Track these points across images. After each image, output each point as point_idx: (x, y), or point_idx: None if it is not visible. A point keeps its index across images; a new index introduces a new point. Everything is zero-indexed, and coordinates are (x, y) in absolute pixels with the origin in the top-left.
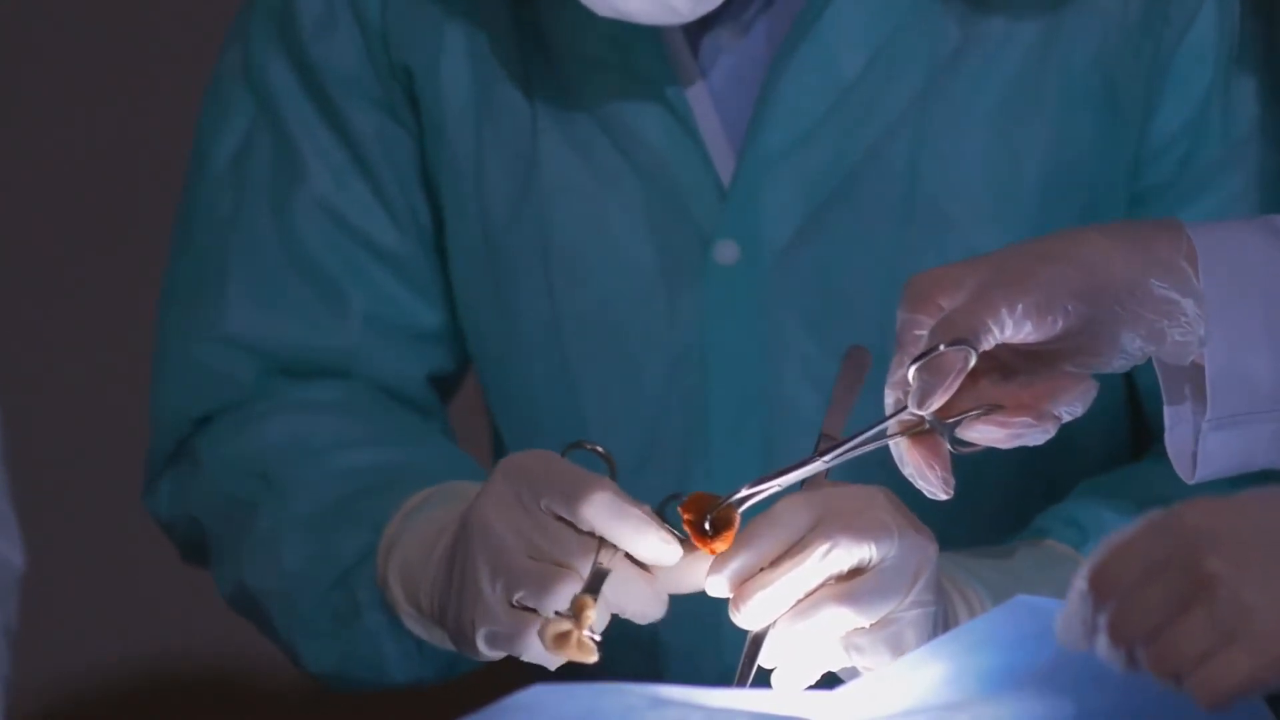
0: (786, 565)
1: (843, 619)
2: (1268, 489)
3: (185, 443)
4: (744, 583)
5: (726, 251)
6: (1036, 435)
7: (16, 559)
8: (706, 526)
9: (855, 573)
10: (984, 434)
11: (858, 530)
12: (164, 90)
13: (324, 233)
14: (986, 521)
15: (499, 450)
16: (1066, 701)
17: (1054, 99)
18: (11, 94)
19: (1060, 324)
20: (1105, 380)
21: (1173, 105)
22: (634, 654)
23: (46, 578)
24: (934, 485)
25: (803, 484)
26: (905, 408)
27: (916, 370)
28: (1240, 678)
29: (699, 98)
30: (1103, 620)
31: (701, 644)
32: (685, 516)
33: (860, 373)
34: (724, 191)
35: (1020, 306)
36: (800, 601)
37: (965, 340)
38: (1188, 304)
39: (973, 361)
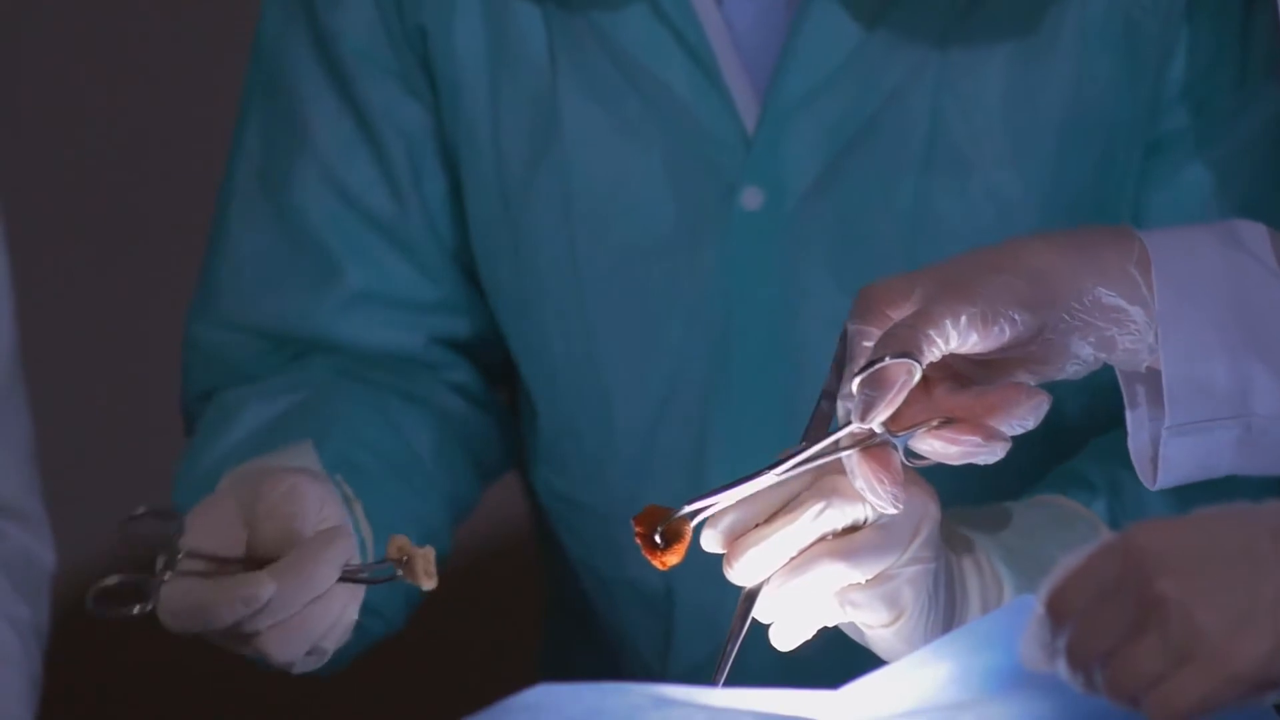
0: (780, 522)
1: (838, 575)
2: (1217, 507)
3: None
4: (737, 538)
5: (752, 198)
6: (986, 455)
7: (47, 558)
8: (657, 539)
9: (852, 529)
10: (934, 449)
11: (853, 489)
12: (182, 85)
13: (325, 206)
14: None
15: (525, 405)
16: (1071, 701)
17: (1072, 42)
18: (23, 91)
19: (1007, 333)
20: None
21: (1189, 49)
22: (648, 614)
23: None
24: (883, 499)
25: (803, 439)
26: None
27: (860, 383)
28: (1194, 699)
29: (722, 45)
30: (1061, 643)
31: (716, 600)
32: (637, 529)
33: None
34: (748, 138)
35: (964, 318)
36: (795, 558)
37: (908, 353)
38: (1135, 311)
39: (917, 375)
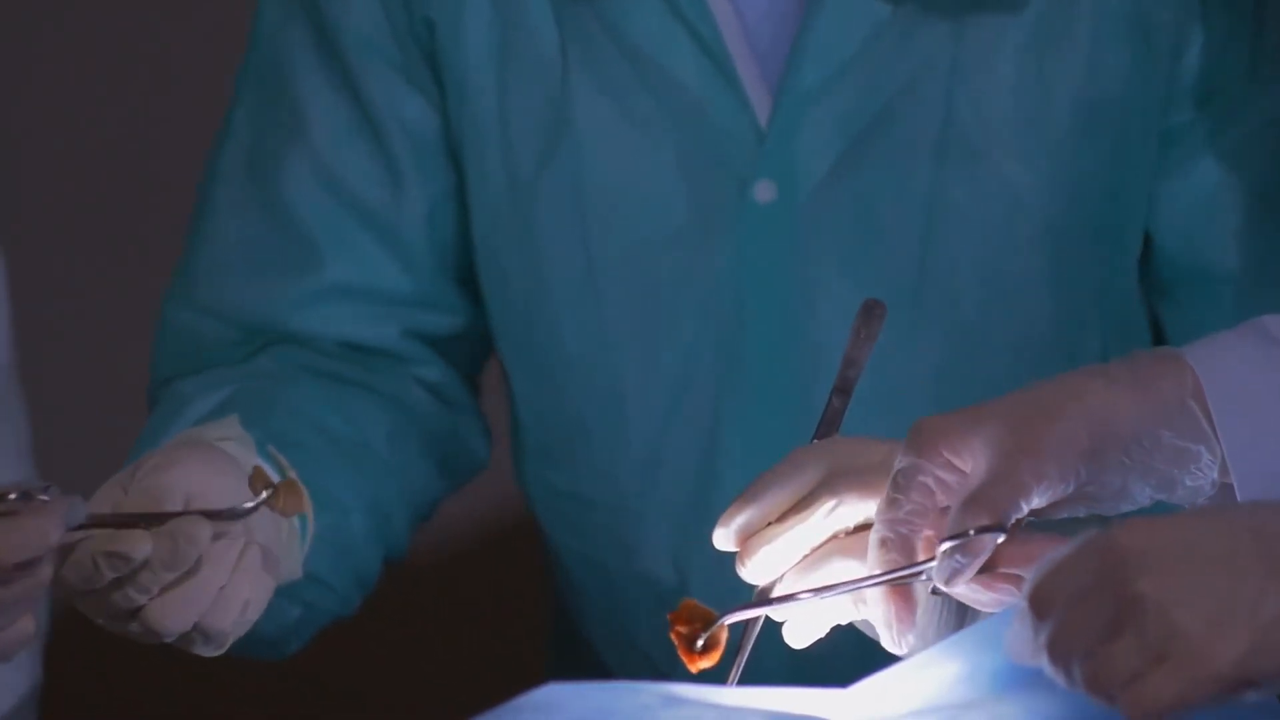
0: (792, 520)
1: (850, 572)
2: (1200, 507)
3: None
4: (750, 537)
5: (765, 191)
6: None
7: None
8: (700, 644)
9: (865, 526)
10: (967, 592)
11: (865, 486)
12: (180, 80)
13: (312, 195)
14: None
15: (525, 404)
16: (1080, 700)
17: (1086, 32)
18: (19, 87)
19: (1072, 488)
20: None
21: (1202, 38)
22: (658, 611)
23: None
24: (892, 641)
25: (815, 435)
26: (917, 561)
27: (948, 550)
28: (1170, 698)
29: (734, 37)
30: (1043, 639)
31: (731, 594)
32: (677, 628)
33: (875, 326)
34: (761, 131)
35: (1045, 482)
36: (807, 556)
37: (999, 525)
38: (1200, 450)
39: (1001, 540)
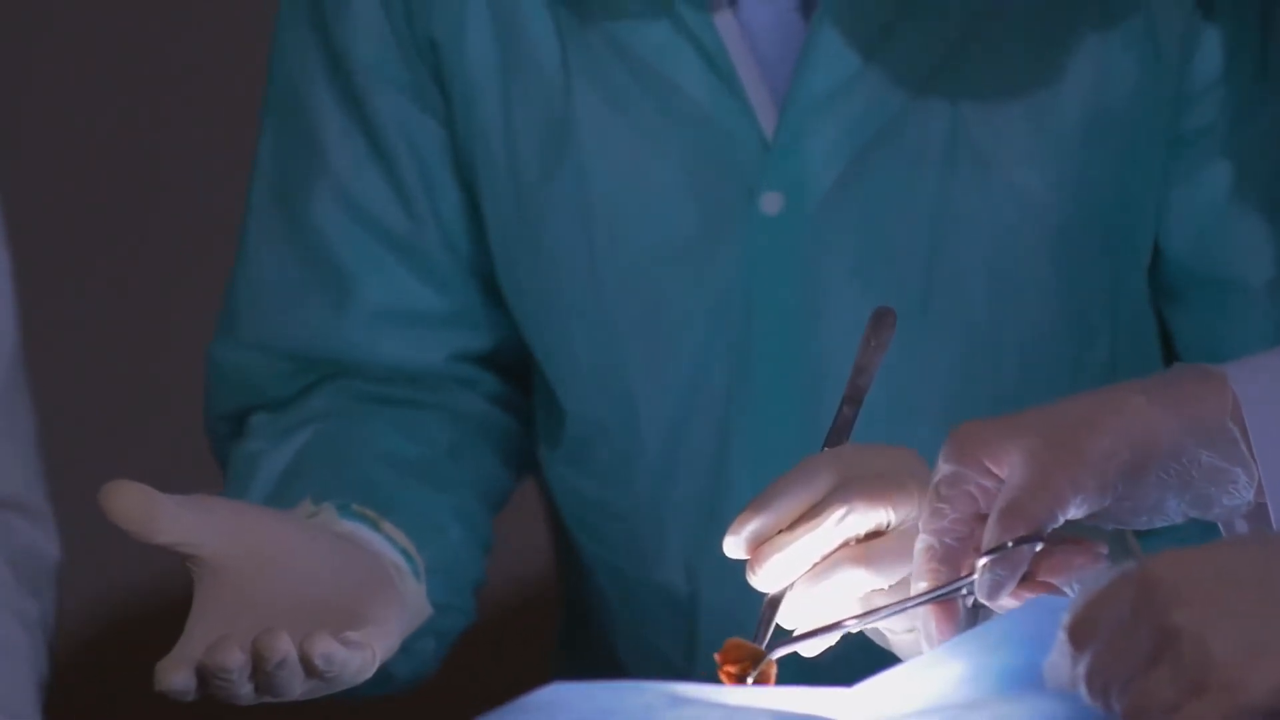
0: (803, 529)
1: (860, 580)
2: (1234, 536)
3: (224, 442)
4: (760, 545)
5: (771, 203)
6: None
7: (53, 552)
8: (750, 681)
9: (875, 534)
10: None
11: (876, 494)
12: (187, 83)
13: (339, 224)
14: None
15: (546, 407)
16: (1084, 702)
17: (1094, 39)
18: (28, 90)
19: (1108, 502)
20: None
21: (1211, 45)
22: (672, 616)
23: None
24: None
25: (826, 444)
26: (961, 570)
27: (990, 563)
28: None
29: (738, 49)
30: (1081, 670)
31: (740, 600)
32: (726, 668)
33: (886, 334)
34: (767, 142)
35: (1082, 494)
36: (817, 564)
37: (1037, 535)
38: (1237, 472)
39: (1039, 548)
